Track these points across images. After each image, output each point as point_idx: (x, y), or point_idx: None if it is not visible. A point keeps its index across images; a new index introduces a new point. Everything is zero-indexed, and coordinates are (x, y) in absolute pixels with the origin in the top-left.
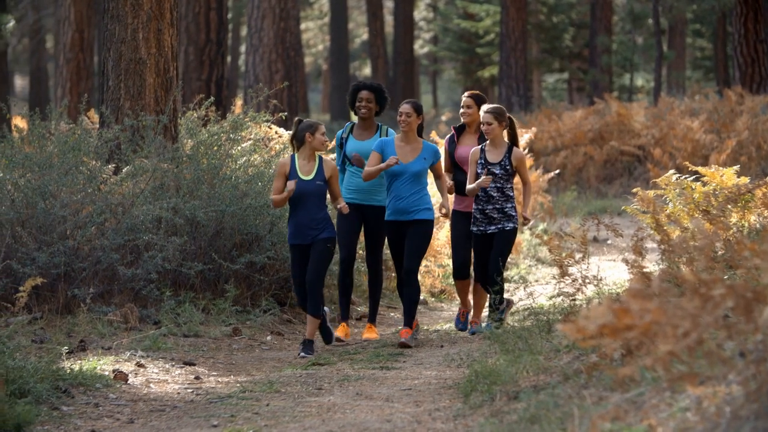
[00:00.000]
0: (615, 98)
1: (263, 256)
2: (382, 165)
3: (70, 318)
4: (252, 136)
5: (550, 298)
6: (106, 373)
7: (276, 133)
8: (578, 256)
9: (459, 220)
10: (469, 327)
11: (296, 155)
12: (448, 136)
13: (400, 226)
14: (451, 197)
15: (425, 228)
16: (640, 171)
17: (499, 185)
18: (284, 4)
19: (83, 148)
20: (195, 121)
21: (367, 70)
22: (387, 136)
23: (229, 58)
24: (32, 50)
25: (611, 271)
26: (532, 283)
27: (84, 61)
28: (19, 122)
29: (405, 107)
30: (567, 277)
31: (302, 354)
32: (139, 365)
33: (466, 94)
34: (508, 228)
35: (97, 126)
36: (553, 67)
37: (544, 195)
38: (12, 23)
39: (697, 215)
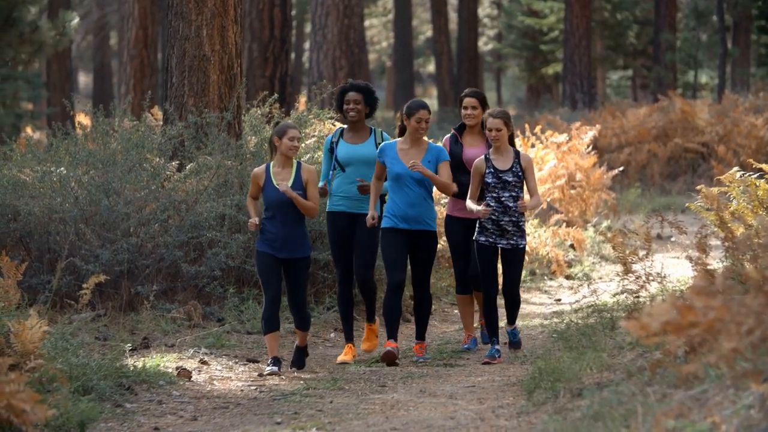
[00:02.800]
0: (679, 95)
1: (326, 254)
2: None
3: (134, 315)
4: (316, 133)
5: (614, 295)
6: (170, 370)
7: None
8: (642, 253)
9: (455, 227)
10: (463, 343)
11: (271, 163)
12: (448, 136)
13: (407, 235)
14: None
15: (435, 240)
16: (704, 168)
17: (513, 194)
18: (348, 1)
19: (147, 145)
20: (259, 118)
21: (431, 67)
22: (381, 140)
23: (293, 55)
24: (96, 47)
25: (675, 269)
26: (596, 281)
27: (148, 58)
28: (82, 119)
29: (424, 113)
30: (631, 275)
31: (269, 369)
32: (203, 362)
33: (468, 92)
34: (521, 246)
35: (161, 123)
36: (617, 65)
37: (607, 192)
38: (76, 20)
39: (761, 212)
